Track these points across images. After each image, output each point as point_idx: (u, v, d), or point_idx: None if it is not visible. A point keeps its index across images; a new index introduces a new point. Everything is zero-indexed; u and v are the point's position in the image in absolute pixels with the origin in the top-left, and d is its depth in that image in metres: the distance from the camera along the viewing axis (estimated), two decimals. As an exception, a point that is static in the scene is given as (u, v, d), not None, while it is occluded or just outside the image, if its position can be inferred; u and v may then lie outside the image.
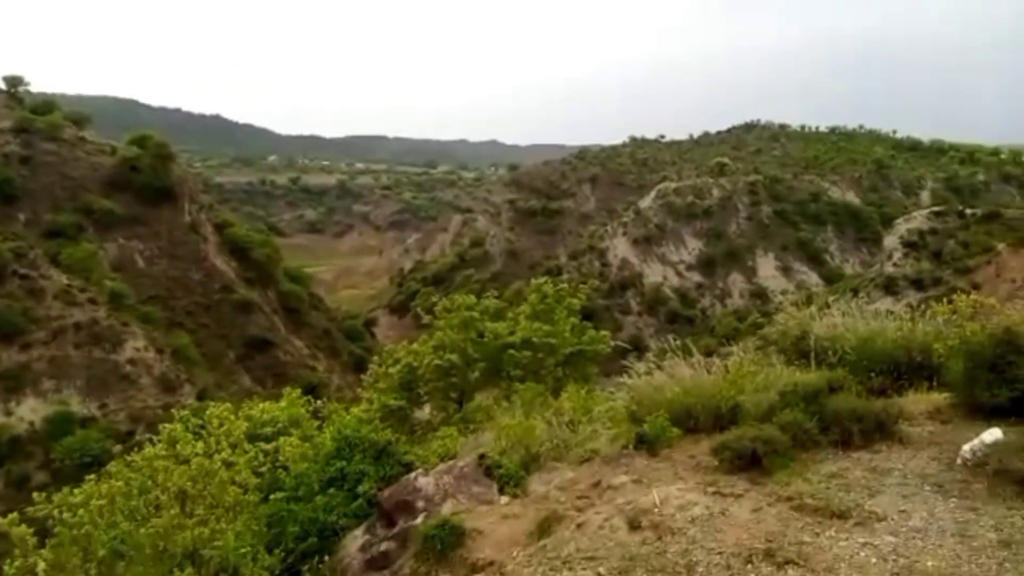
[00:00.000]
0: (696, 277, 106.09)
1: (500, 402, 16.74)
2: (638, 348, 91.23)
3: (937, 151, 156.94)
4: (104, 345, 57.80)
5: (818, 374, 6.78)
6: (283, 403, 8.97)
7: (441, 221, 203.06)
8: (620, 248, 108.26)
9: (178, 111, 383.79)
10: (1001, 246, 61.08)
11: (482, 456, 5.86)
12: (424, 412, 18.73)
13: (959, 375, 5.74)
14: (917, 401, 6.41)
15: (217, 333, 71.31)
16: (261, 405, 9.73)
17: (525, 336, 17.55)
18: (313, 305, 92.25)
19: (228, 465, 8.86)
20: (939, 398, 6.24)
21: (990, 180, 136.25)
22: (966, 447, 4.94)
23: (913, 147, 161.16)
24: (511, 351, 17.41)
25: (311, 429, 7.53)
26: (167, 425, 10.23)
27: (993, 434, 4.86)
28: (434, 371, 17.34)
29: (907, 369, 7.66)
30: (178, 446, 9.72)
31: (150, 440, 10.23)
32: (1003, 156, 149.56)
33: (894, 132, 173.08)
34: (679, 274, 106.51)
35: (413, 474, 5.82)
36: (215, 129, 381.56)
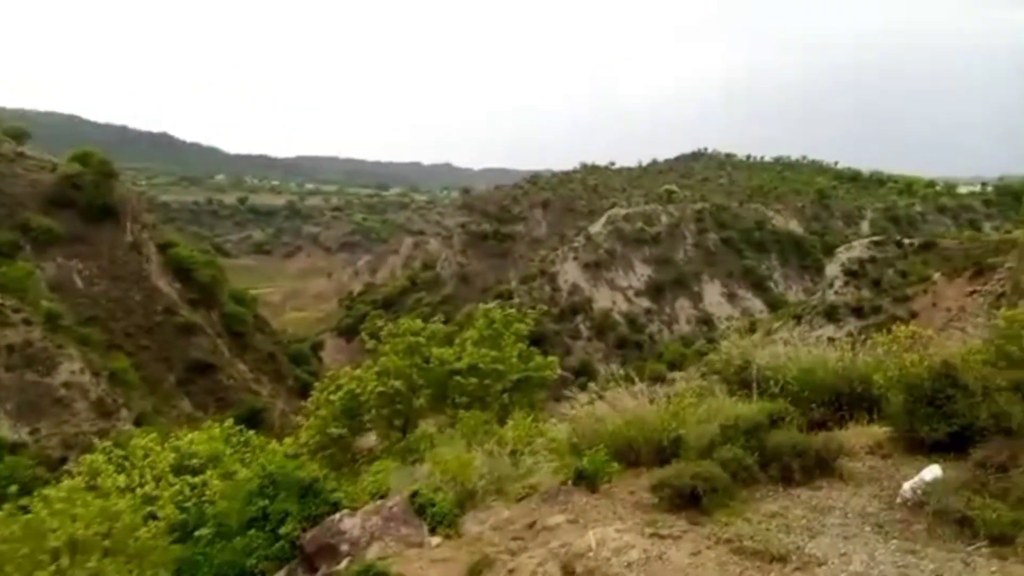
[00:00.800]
0: (645, 303, 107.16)
1: (445, 429, 16.44)
2: (587, 373, 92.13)
3: (876, 182, 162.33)
4: (38, 368, 55.61)
5: (759, 406, 6.70)
6: (203, 437, 8.53)
7: (392, 243, 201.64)
8: (570, 273, 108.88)
9: (124, 128, 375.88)
10: (937, 275, 63.02)
11: (414, 494, 5.59)
12: (369, 440, 18.29)
13: (898, 409, 5.70)
14: (858, 434, 6.36)
15: (158, 356, 69.30)
16: (189, 436, 9.26)
17: (472, 362, 17.29)
18: (258, 328, 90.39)
19: (150, 500, 8.39)
20: (879, 431, 6.20)
21: (926, 211, 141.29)
22: (906, 485, 4.87)
23: (853, 178, 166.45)
24: (457, 377, 17.13)
25: (233, 464, 7.13)
26: (88, 456, 9.69)
27: (932, 471, 4.80)
28: (378, 398, 16.91)
29: (848, 400, 7.66)
30: (99, 478, 9.19)
31: (68, 473, 9.69)
32: (938, 188, 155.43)
33: (836, 163, 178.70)
34: (628, 299, 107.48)
35: (339, 515, 5.50)
36: (162, 147, 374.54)
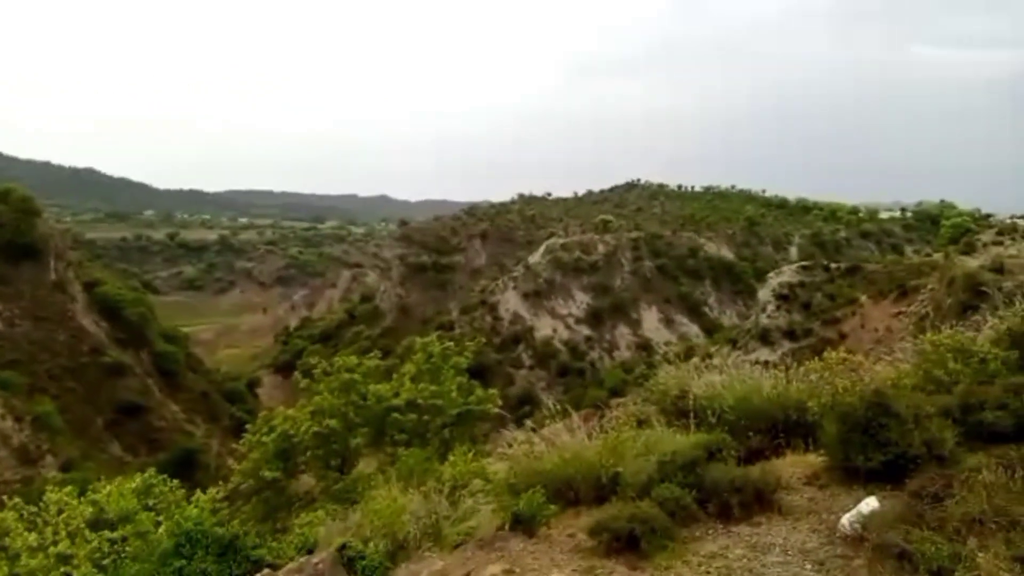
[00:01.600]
0: (585, 330, 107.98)
1: (385, 468, 16.00)
2: (530, 402, 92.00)
3: (803, 209, 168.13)
4: (-46, 414, 52.92)
5: (696, 438, 6.65)
6: (116, 492, 8.04)
7: (329, 277, 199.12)
8: (511, 302, 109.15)
9: (47, 164, 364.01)
10: (864, 298, 65.24)
11: (343, 547, 5.30)
12: (306, 481, 17.69)
13: (833, 438, 5.70)
14: (795, 464, 6.35)
15: (85, 398, 66.71)
16: (107, 488, 8.73)
17: (410, 398, 16.93)
18: (190, 366, 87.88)
19: (65, 559, 7.83)
20: (816, 460, 6.20)
21: (850, 236, 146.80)
22: (844, 519, 4.83)
23: (781, 205, 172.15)
24: (395, 414, 16.74)
25: (148, 523, 6.70)
26: (-5, 515, 9.02)
27: (869, 504, 4.77)
28: (312, 438, 16.38)
29: (784, 427, 7.70)
30: (8, 538, 8.55)
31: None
32: (861, 214, 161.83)
33: (763, 192, 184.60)
34: (568, 327, 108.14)
35: (261, 574, 5.17)
36: (88, 183, 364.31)
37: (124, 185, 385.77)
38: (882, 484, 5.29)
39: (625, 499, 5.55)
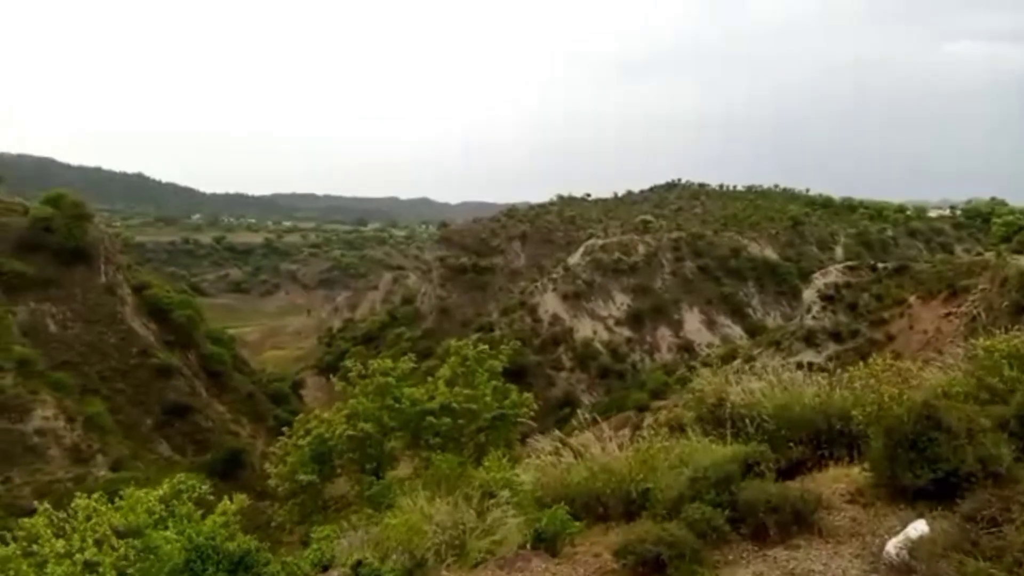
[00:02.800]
0: (625, 332, 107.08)
1: (420, 472, 15.87)
2: (571, 403, 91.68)
3: (848, 208, 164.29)
4: (10, 415, 54.60)
5: (733, 449, 6.33)
6: (126, 505, 8.00)
7: (371, 279, 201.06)
8: (550, 304, 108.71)
9: (98, 170, 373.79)
10: (912, 298, 63.42)
11: (359, 564, 5.12)
12: (341, 485, 17.68)
13: (879, 453, 5.33)
14: (837, 478, 5.98)
15: (134, 399, 68.25)
16: (138, 492, 8.71)
17: (444, 402, 16.77)
18: (236, 368, 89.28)
19: (91, 567, 7.81)
20: (859, 475, 5.83)
21: (897, 235, 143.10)
22: (890, 545, 4.47)
23: (826, 204, 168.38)
24: (430, 418, 16.60)
25: (157, 539, 6.61)
26: (26, 520, 9.08)
27: (918, 528, 4.41)
28: (348, 442, 16.33)
29: (827, 438, 7.36)
30: (36, 544, 8.58)
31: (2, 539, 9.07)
32: (908, 212, 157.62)
33: (807, 190, 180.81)
34: (608, 329, 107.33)
35: (273, 593, 5.02)
36: (137, 188, 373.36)
37: (172, 190, 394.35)
38: (932, 504, 4.91)
39: (655, 516, 5.27)
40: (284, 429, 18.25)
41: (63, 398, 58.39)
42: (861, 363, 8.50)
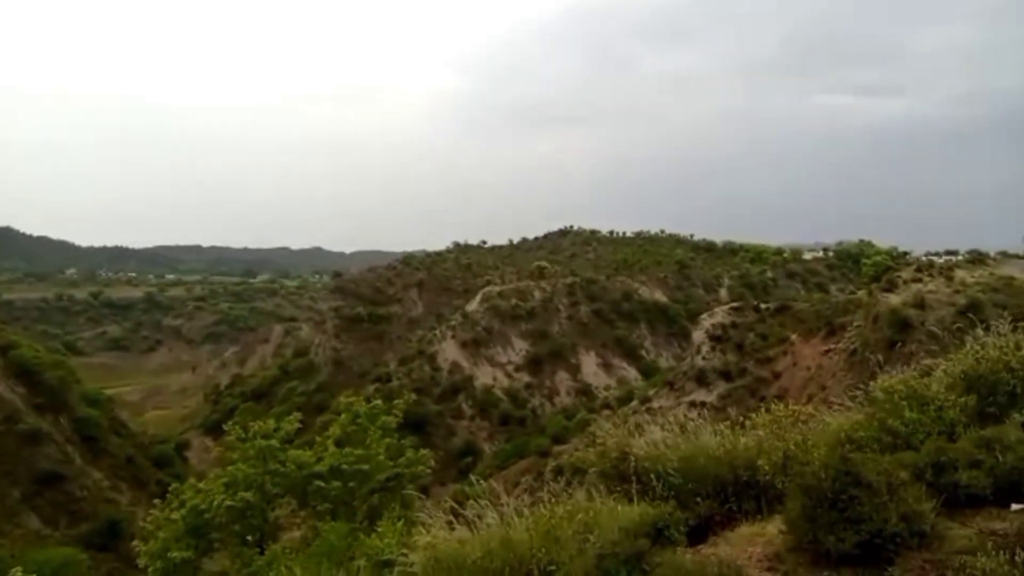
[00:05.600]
0: (525, 377, 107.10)
1: (309, 539, 14.70)
2: (472, 452, 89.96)
3: (730, 252, 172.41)
4: None
5: (640, 511, 5.87)
6: None
7: (261, 332, 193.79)
8: (450, 352, 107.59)
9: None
10: (794, 336, 66.25)
11: None
12: (220, 560, 16.18)
13: (796, 513, 4.95)
14: (751, 539, 5.58)
15: (0, 469, 62.50)
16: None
17: (333, 464, 15.75)
18: (114, 430, 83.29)
19: None
20: (774, 533, 5.43)
21: (777, 276, 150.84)
22: (822, 627, 4.07)
23: (709, 248, 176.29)
24: (318, 482, 15.51)
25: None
26: None
27: (850, 605, 4.03)
28: (227, 513, 15.00)
29: (733, 490, 7.05)
30: None
31: None
32: (785, 255, 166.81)
33: (692, 236, 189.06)
34: (508, 375, 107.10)
35: None
36: (5, 242, 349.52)
37: (44, 243, 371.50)
38: (858, 570, 4.54)
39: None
40: (155, 502, 16.67)
41: (-86, 471, 52.71)
42: (763, 409, 8.29)
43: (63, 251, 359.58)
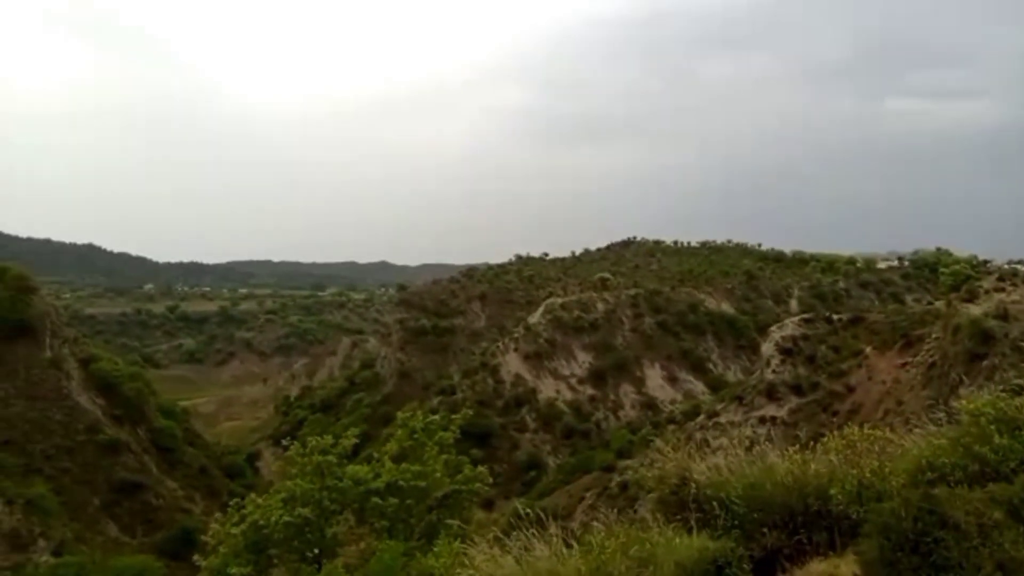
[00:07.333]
0: (588, 390, 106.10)
1: (365, 558, 14.59)
2: (536, 466, 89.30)
3: (800, 261, 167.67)
4: (-58, 501, 51.28)
5: (700, 545, 5.44)
6: None
7: (329, 344, 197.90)
8: (512, 364, 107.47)
9: (47, 241, 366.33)
10: (868, 349, 63.78)
11: None
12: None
13: (874, 556, 4.46)
14: (822, 577, 5.11)
15: (80, 478, 65.01)
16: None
17: (390, 480, 15.61)
18: (189, 441, 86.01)
19: None
20: (849, 575, 4.95)
21: (849, 287, 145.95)
22: None
23: (778, 258, 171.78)
24: (375, 499, 15.39)
25: None
26: None
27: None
28: (285, 529, 15.01)
29: (803, 520, 6.55)
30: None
31: None
32: (858, 264, 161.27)
33: (759, 245, 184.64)
34: (571, 388, 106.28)
35: None
36: (88, 259, 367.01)
37: (124, 260, 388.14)
38: (945, 622, 4.07)
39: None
40: (216, 516, 16.85)
41: (3, 479, 55.32)
42: (835, 431, 7.74)
43: (142, 267, 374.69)
